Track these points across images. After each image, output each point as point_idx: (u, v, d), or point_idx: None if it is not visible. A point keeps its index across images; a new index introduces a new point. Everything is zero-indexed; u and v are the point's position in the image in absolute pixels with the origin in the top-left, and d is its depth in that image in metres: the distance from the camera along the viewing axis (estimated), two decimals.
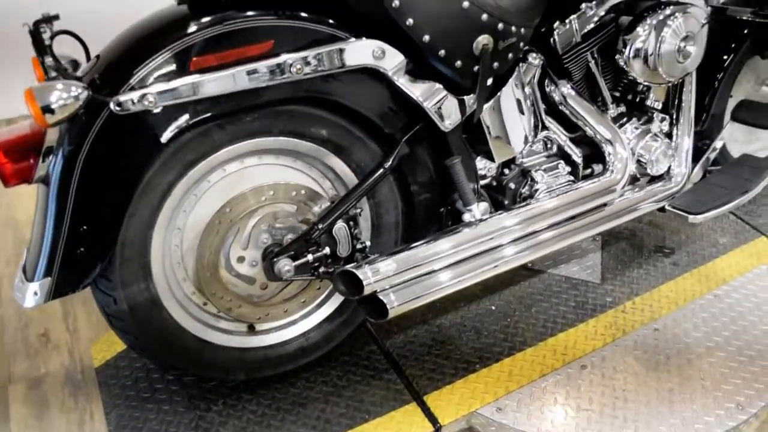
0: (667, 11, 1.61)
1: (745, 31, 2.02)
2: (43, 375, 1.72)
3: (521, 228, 1.53)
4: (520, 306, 1.85)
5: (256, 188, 1.42)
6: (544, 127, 1.66)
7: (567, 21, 1.57)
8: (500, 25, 1.36)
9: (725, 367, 1.71)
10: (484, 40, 1.35)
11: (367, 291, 1.35)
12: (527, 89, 1.58)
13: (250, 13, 1.25)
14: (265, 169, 1.44)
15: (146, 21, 1.29)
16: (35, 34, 1.17)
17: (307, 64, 1.27)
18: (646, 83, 1.69)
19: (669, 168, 1.80)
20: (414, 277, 1.42)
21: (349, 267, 1.36)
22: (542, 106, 1.65)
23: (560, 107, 1.65)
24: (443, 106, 1.40)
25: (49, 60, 1.19)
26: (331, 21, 1.30)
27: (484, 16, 1.33)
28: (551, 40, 1.57)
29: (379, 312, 1.39)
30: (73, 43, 1.27)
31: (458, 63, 1.36)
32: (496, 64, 1.40)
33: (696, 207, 1.74)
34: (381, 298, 1.38)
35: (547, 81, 1.63)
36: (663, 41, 1.59)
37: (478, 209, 1.48)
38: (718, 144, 1.89)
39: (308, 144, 1.41)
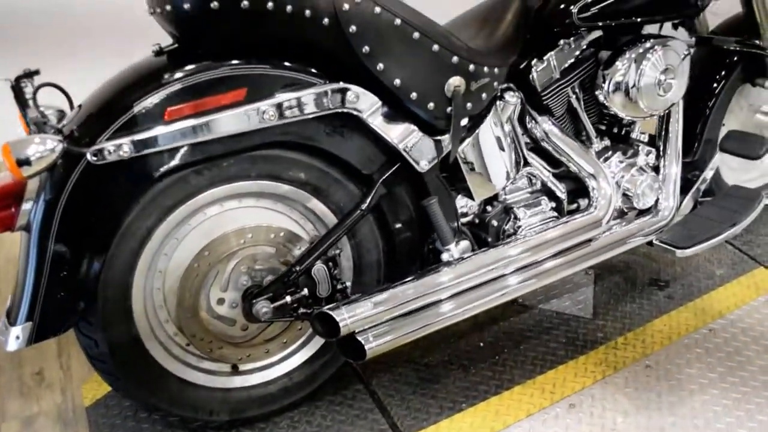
0: (647, 45, 1.61)
1: (735, 60, 2.01)
2: (35, 413, 1.74)
3: (502, 266, 1.53)
4: (509, 342, 1.84)
5: (236, 231, 1.44)
6: (527, 164, 1.67)
7: (545, 58, 1.58)
8: (471, 67, 1.37)
9: (719, 405, 1.68)
10: (455, 81, 1.36)
11: (343, 332, 1.36)
12: (507, 126, 1.59)
13: (224, 62, 1.28)
14: (245, 212, 1.46)
15: (126, 72, 1.33)
16: (16, 89, 1.21)
17: (281, 110, 1.29)
18: (628, 117, 1.68)
19: (657, 201, 1.79)
20: (392, 317, 1.43)
21: (325, 308, 1.37)
22: (524, 143, 1.66)
23: (542, 143, 1.65)
24: (418, 148, 1.42)
25: (33, 113, 1.23)
26: (304, 67, 1.33)
27: (455, 59, 1.35)
28: (530, 77, 1.58)
29: (357, 353, 1.39)
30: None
31: (431, 105, 1.37)
32: (469, 105, 1.41)
33: (683, 241, 1.72)
34: (359, 339, 1.39)
35: (528, 117, 1.64)
36: (642, 75, 1.59)
37: (456, 248, 1.49)
38: (708, 174, 1.87)
39: (287, 187, 1.43)
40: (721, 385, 1.75)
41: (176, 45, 1.32)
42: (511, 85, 1.59)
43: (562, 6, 1.56)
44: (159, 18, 1.27)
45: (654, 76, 1.60)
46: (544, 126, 1.63)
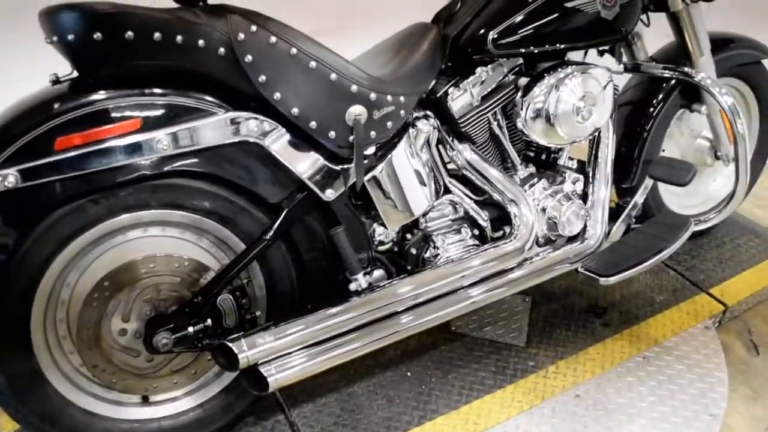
0: (565, 72, 1.60)
1: (671, 86, 2.01)
2: None
3: (415, 295, 1.51)
4: (437, 371, 1.81)
5: (139, 260, 1.41)
6: (448, 191, 1.65)
7: (462, 85, 1.57)
8: (373, 95, 1.36)
9: None
10: (356, 110, 1.35)
11: (242, 365, 1.34)
12: (424, 154, 1.58)
13: (119, 92, 1.26)
14: (150, 241, 1.43)
15: (20, 101, 1.31)
16: None
17: (176, 139, 1.28)
18: (549, 144, 1.67)
19: (585, 228, 1.77)
20: (298, 348, 1.40)
21: (225, 340, 1.35)
22: (444, 170, 1.64)
23: (464, 171, 1.64)
24: (322, 177, 1.40)
25: None
26: (203, 96, 1.31)
27: (354, 88, 1.34)
28: (447, 104, 1.56)
29: (261, 384, 1.37)
30: None
31: (332, 134, 1.36)
32: (373, 133, 1.40)
33: (607, 269, 1.70)
34: (261, 370, 1.36)
35: (450, 144, 1.62)
36: (560, 102, 1.57)
37: (364, 278, 1.47)
38: (639, 200, 1.85)
39: (192, 215, 1.41)
40: (650, 415, 1.72)
41: (74, 74, 1.31)
42: (428, 112, 1.58)
43: (479, 34, 1.55)
44: (55, 47, 1.26)
45: (572, 103, 1.58)
46: (465, 153, 1.62)
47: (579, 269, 1.73)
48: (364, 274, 1.49)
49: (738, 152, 1.86)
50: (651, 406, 1.75)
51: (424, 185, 1.56)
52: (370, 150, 1.45)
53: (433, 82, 1.60)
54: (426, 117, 1.57)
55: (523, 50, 1.57)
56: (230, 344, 1.33)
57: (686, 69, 1.84)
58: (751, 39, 2.18)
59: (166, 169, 1.31)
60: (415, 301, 1.51)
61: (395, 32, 1.63)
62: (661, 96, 2.01)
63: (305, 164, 1.39)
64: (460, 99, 1.57)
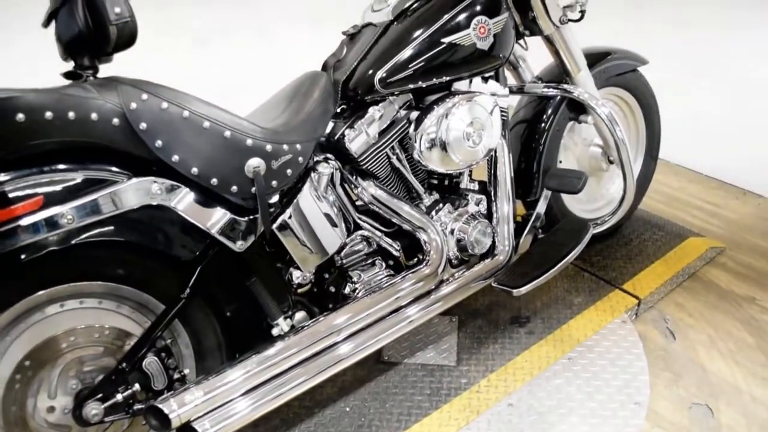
0: (452, 101, 1.70)
1: (557, 102, 2.15)
2: None
3: (339, 331, 1.56)
4: (375, 402, 1.86)
5: (59, 335, 1.42)
6: (358, 227, 1.72)
7: (356, 126, 1.65)
8: (269, 147, 1.42)
9: None
10: (254, 163, 1.41)
11: (175, 424, 1.35)
12: (330, 195, 1.64)
13: (19, 172, 1.28)
14: (69, 315, 1.44)
15: None
16: None
17: (82, 212, 1.30)
18: (446, 172, 1.76)
19: (493, 245, 1.86)
20: (229, 399, 1.43)
21: (155, 401, 1.37)
22: (352, 208, 1.72)
23: (371, 206, 1.71)
24: (231, 230, 1.45)
25: None
26: (105, 166, 1.35)
27: (249, 141, 1.40)
28: (345, 146, 1.64)
29: None
30: None
31: (234, 188, 1.41)
32: (274, 183, 1.46)
33: (518, 280, 1.79)
34: (195, 427, 1.38)
35: (353, 182, 1.70)
36: (450, 130, 1.67)
37: (285, 322, 1.52)
38: (541, 210, 1.97)
39: (108, 284, 1.43)
40: (580, 412, 1.81)
41: None
42: (328, 155, 1.66)
43: (366, 77, 1.64)
44: None
45: (461, 129, 1.69)
46: (370, 189, 1.69)
47: (493, 284, 1.83)
48: (285, 318, 1.54)
49: (621, 157, 2.00)
50: (580, 404, 1.84)
51: (334, 225, 1.62)
52: (275, 198, 1.50)
53: (330, 125, 1.69)
54: (326, 160, 1.65)
55: (409, 86, 1.67)
56: (160, 405, 1.35)
57: (566, 86, 1.98)
58: (626, 50, 2.36)
59: (74, 242, 1.33)
60: (339, 336, 1.56)
61: (287, 84, 1.71)
62: (550, 112, 2.15)
63: (213, 220, 1.43)
64: (357, 139, 1.65)
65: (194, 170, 1.37)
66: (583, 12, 1.97)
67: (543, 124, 2.14)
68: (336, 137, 1.66)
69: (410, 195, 1.81)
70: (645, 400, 1.86)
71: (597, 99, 1.98)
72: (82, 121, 1.28)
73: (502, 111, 1.87)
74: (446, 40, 1.67)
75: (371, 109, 1.67)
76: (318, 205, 1.59)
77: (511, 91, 2.00)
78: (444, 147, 1.68)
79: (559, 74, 2.13)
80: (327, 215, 1.61)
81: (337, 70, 1.70)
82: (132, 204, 1.35)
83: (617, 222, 2.44)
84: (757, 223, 2.79)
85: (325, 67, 1.75)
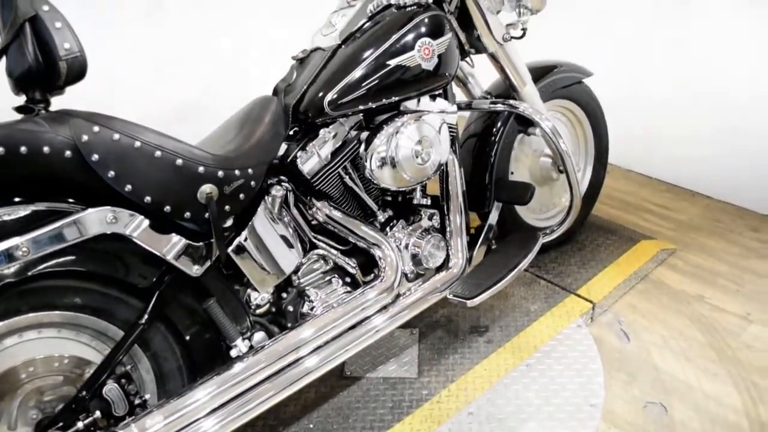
0: (401, 121, 1.76)
1: (504, 116, 2.22)
2: None
3: (297, 349, 1.60)
4: (338, 418, 1.89)
5: (17, 366, 1.43)
6: (314, 246, 1.76)
7: (308, 148, 1.70)
8: (221, 173, 1.46)
9: None
10: (207, 189, 1.44)
11: None
12: (284, 216, 1.68)
13: None
14: (28, 345, 1.45)
15: None
16: None
17: (37, 243, 1.32)
18: (398, 189, 1.81)
19: (447, 258, 1.92)
20: (190, 422, 1.45)
21: (116, 427, 1.38)
22: (307, 228, 1.76)
23: (326, 225, 1.75)
24: (186, 255, 1.47)
25: None
26: (60, 197, 1.37)
27: (201, 169, 1.44)
28: (297, 168, 1.69)
29: None
30: None
31: (187, 214, 1.44)
32: (227, 207, 1.49)
33: (472, 291, 1.85)
34: None
35: (307, 203, 1.74)
36: (399, 149, 1.73)
37: (243, 343, 1.55)
38: (493, 221, 2.03)
39: (66, 313, 1.45)
40: (538, 417, 1.86)
41: None
42: (281, 177, 1.70)
43: (316, 100, 1.68)
44: None
45: (410, 148, 1.74)
46: (323, 210, 1.74)
47: (448, 296, 1.88)
48: (244, 339, 1.57)
49: (567, 168, 2.08)
50: (538, 408, 1.89)
51: (290, 245, 1.66)
52: (230, 222, 1.54)
53: (283, 148, 1.73)
54: (280, 182, 1.68)
55: (359, 108, 1.72)
56: (120, 431, 1.37)
57: (512, 102, 2.06)
58: (571, 63, 2.45)
59: (31, 273, 1.35)
60: (299, 354, 1.59)
61: (238, 109, 1.75)
62: (499, 125, 2.22)
63: (168, 246, 1.46)
64: (309, 161, 1.69)
65: (147, 199, 1.40)
66: (524, 30, 2.04)
67: (492, 138, 2.21)
68: (289, 159, 1.70)
69: (364, 212, 1.86)
70: (600, 402, 1.93)
71: (541, 113, 2.05)
72: (34, 155, 1.30)
73: (450, 127, 1.93)
74: (392, 62, 1.72)
75: (322, 131, 1.72)
76: (273, 227, 1.63)
77: (460, 108, 2.06)
78: (394, 165, 1.73)
79: (506, 90, 2.21)
80: (282, 236, 1.65)
81: (287, 94, 1.74)
82: (87, 234, 1.37)
83: (570, 228, 2.52)
84: (705, 224, 2.89)
85: (275, 92, 1.79)
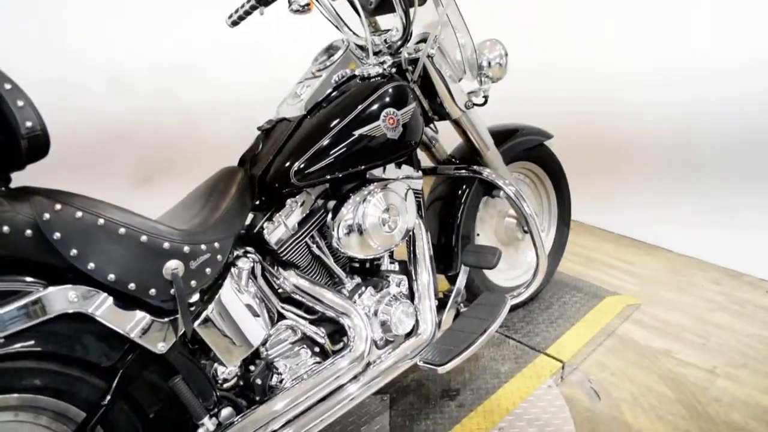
0: (368, 189, 1.77)
1: (469, 180, 2.26)
2: None
3: (267, 423, 1.56)
4: None
5: None
6: (282, 317, 1.74)
7: (275, 219, 1.70)
8: (186, 248, 1.45)
9: None
10: (172, 265, 1.43)
11: None
12: (251, 288, 1.67)
13: None
14: None
15: None
16: None
17: None
18: (365, 257, 1.82)
19: (417, 323, 1.91)
20: None
21: None
22: (275, 298, 1.74)
23: (294, 295, 1.74)
24: (151, 332, 1.44)
25: None
26: (19, 277, 1.34)
27: (166, 245, 1.42)
28: (264, 238, 1.68)
29: None
30: None
31: (152, 291, 1.42)
32: (193, 282, 1.47)
33: (442, 357, 1.84)
34: None
35: (274, 273, 1.73)
36: (366, 217, 1.74)
37: (210, 421, 1.51)
38: (461, 285, 2.04)
39: (24, 396, 1.39)
40: None
41: None
42: (248, 248, 1.69)
43: (282, 170, 1.69)
44: None
45: (377, 216, 1.76)
46: (291, 279, 1.73)
47: (418, 363, 1.87)
48: (210, 417, 1.53)
49: (531, 230, 2.11)
50: None
51: (257, 317, 1.64)
52: (196, 296, 1.52)
53: (250, 217, 1.72)
54: (246, 254, 1.67)
55: (324, 177, 1.73)
56: None
57: (475, 167, 2.10)
58: (533, 126, 2.52)
59: None
60: (268, 429, 1.56)
61: (204, 181, 1.74)
62: (464, 188, 2.25)
63: (132, 324, 1.43)
64: (275, 231, 1.69)
65: (111, 277, 1.37)
66: (486, 97, 2.10)
67: (458, 201, 2.24)
68: (255, 230, 1.69)
69: (332, 280, 1.85)
70: None
71: (504, 179, 2.09)
72: None
73: (416, 192, 1.95)
74: (357, 132, 1.75)
75: (289, 201, 1.72)
76: (240, 299, 1.61)
77: (425, 173, 2.09)
78: (361, 234, 1.74)
79: (470, 153, 2.25)
80: (249, 308, 1.63)
81: (253, 165, 1.75)
82: (49, 314, 1.34)
83: (537, 288, 2.54)
84: (668, 278, 2.95)
85: (241, 162, 1.80)
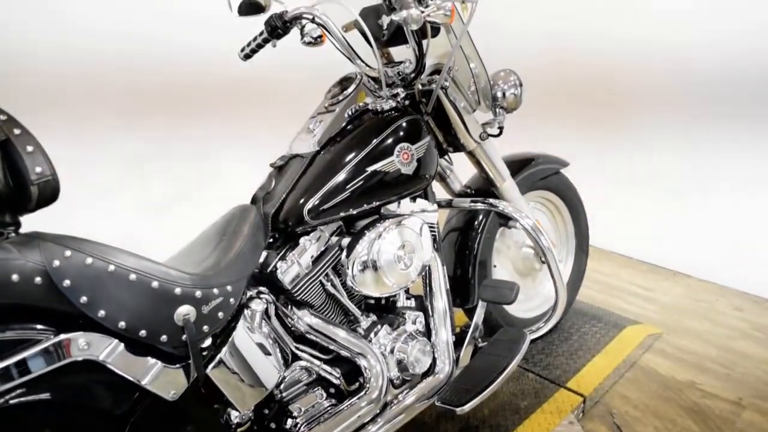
0: (382, 226, 1.73)
1: (484, 211, 2.22)
2: None
3: None
4: None
5: None
6: (296, 358, 1.70)
7: (288, 258, 1.66)
8: (198, 293, 1.41)
9: None
10: (184, 311, 1.39)
11: None
12: (265, 329, 1.63)
13: None
14: None
15: None
16: None
17: (5, 375, 1.26)
18: (380, 295, 1.77)
19: (434, 361, 1.87)
20: None
21: None
22: (289, 338, 1.70)
23: (308, 335, 1.70)
24: (162, 380, 1.41)
25: None
26: (29, 326, 1.31)
27: (178, 290, 1.39)
28: (278, 278, 1.64)
29: None
30: None
31: (164, 338, 1.39)
32: (205, 328, 1.44)
33: (461, 397, 1.79)
34: None
35: (289, 314, 1.69)
36: (381, 254, 1.70)
37: None
38: (479, 321, 1.99)
39: None
40: None
41: None
42: (261, 288, 1.65)
43: (295, 209, 1.66)
44: None
45: (392, 253, 1.72)
46: (305, 319, 1.69)
47: (436, 402, 1.81)
48: None
49: (549, 263, 2.06)
50: None
51: (271, 359, 1.60)
52: (208, 341, 1.48)
53: (264, 255, 1.69)
54: (259, 294, 1.63)
55: (338, 215, 1.70)
56: None
57: (491, 200, 2.06)
58: (548, 154, 2.48)
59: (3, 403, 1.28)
60: None
61: (217, 219, 1.71)
62: (480, 218, 2.21)
63: (143, 371, 1.39)
64: (289, 271, 1.65)
65: (122, 324, 1.34)
66: (501, 128, 2.06)
67: (474, 233, 2.20)
68: (269, 269, 1.66)
69: (347, 318, 1.81)
70: None
71: (521, 211, 2.05)
72: (2, 284, 1.25)
73: (431, 226, 1.91)
74: (371, 168, 1.72)
75: (302, 240, 1.69)
76: (253, 341, 1.57)
77: (440, 206, 2.06)
78: (377, 271, 1.70)
79: (486, 184, 2.22)
80: (263, 350, 1.59)
81: (266, 203, 1.72)
82: (59, 362, 1.31)
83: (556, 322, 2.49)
84: (689, 304, 2.88)
85: (254, 200, 1.77)
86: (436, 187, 2.28)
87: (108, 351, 1.37)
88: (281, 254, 1.68)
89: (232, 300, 1.49)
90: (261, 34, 2.00)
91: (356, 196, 1.71)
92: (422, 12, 1.72)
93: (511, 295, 1.90)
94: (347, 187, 1.69)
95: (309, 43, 2.00)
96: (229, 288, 1.48)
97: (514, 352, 1.90)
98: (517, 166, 2.35)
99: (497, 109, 2.06)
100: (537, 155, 2.43)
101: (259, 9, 1.93)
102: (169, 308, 1.39)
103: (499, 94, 2.05)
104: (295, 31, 1.98)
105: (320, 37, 2.00)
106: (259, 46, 2.04)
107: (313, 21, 1.94)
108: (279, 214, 1.68)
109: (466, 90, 2.01)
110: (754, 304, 2.86)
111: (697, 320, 2.75)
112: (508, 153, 2.43)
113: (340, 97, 1.84)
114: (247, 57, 2.08)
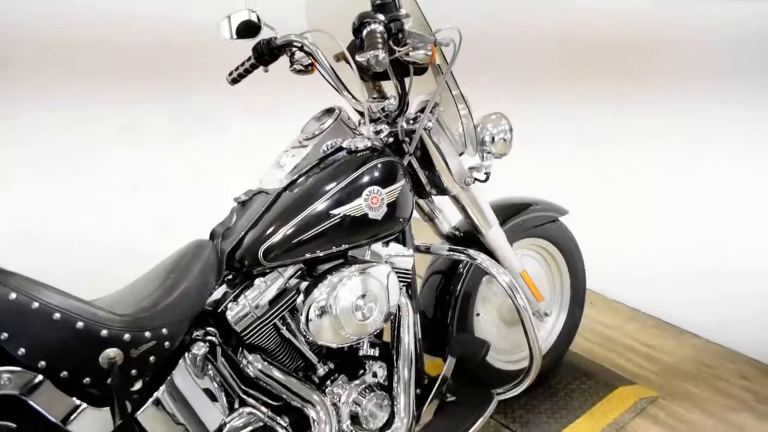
0: (348, 270, 1.64)
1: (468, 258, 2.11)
2: None
3: None
4: None
5: None
6: (244, 403, 1.62)
7: (240, 299, 1.59)
8: (127, 336, 1.35)
9: None
10: (110, 353, 1.33)
11: None
12: (209, 372, 1.56)
13: None
14: None
15: None
16: None
17: None
18: (333, 345, 1.67)
19: (392, 416, 1.77)
20: None
21: None
22: (236, 383, 1.62)
23: (257, 381, 1.62)
24: (87, 422, 1.35)
25: None
26: None
27: (104, 332, 1.32)
28: (227, 319, 1.57)
29: None
30: None
31: (86, 380, 1.33)
32: (134, 372, 1.37)
33: None
34: None
35: (238, 357, 1.61)
36: (339, 302, 1.60)
37: None
38: (448, 374, 1.89)
39: None
40: None
41: None
42: (210, 329, 1.57)
43: (252, 248, 1.59)
44: None
45: (351, 302, 1.62)
46: (255, 363, 1.61)
47: None
48: None
49: (524, 324, 1.94)
50: None
51: (210, 404, 1.53)
52: (138, 385, 1.42)
53: (219, 294, 1.62)
54: (207, 335, 1.56)
55: (297, 258, 1.62)
56: None
57: (470, 251, 1.95)
58: (547, 201, 2.36)
59: None
60: None
61: (171, 253, 1.65)
62: (465, 262, 2.11)
63: (66, 412, 1.34)
64: (240, 313, 1.58)
65: (42, 363, 1.29)
66: (488, 174, 1.96)
67: (456, 278, 2.11)
68: (219, 309, 1.59)
69: (304, 365, 1.73)
70: None
71: (499, 265, 1.95)
72: None
73: (405, 272, 1.82)
74: (336, 211, 1.63)
75: (258, 281, 1.61)
76: (192, 385, 1.51)
77: (418, 250, 1.96)
78: (331, 320, 1.61)
79: (472, 229, 2.11)
80: (203, 394, 1.52)
81: (225, 239, 1.65)
82: None
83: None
84: (691, 368, 2.72)
85: (212, 236, 1.70)
86: (425, 228, 2.19)
87: (30, 387, 1.31)
88: (235, 294, 1.61)
89: (167, 344, 1.42)
90: (249, 59, 1.95)
91: (317, 240, 1.63)
92: (399, 51, 1.64)
93: (480, 353, 1.79)
94: (308, 231, 1.61)
95: (299, 71, 1.94)
96: (164, 331, 1.41)
97: (477, 415, 1.79)
98: (513, 210, 2.24)
99: (485, 154, 1.95)
100: (535, 200, 2.32)
101: (254, 31, 1.87)
102: (93, 350, 1.33)
103: (488, 138, 1.95)
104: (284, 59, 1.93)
105: (311, 65, 1.94)
106: (247, 71, 1.99)
107: (301, 49, 1.89)
108: (236, 252, 1.60)
109: (452, 132, 1.91)
110: (763, 374, 2.68)
111: (698, 386, 2.59)
112: (505, 196, 2.32)
113: (316, 131, 1.77)
114: (234, 81, 2.03)
